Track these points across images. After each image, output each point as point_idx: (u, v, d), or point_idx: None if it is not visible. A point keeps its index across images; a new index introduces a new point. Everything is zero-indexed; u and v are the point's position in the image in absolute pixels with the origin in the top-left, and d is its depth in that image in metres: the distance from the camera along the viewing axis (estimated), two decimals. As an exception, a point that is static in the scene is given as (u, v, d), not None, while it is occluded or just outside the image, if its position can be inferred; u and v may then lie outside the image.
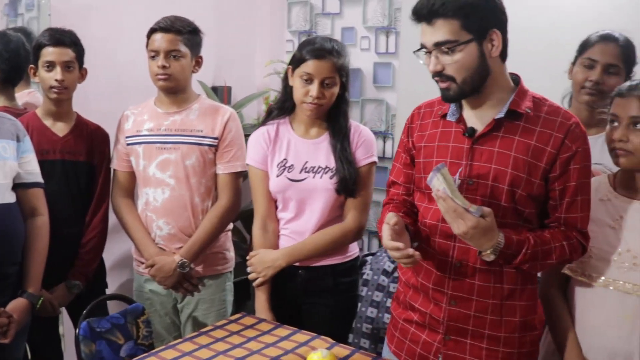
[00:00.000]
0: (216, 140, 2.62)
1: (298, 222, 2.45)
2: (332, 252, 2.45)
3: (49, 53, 2.49)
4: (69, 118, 2.64)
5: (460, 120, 1.91)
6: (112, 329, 2.34)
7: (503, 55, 1.85)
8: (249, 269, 2.47)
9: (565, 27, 2.76)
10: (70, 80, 2.53)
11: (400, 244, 1.81)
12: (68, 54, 2.51)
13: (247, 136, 2.63)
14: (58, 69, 2.49)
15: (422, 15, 1.78)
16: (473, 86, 1.82)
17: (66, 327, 2.85)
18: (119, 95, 3.25)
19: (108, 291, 2.88)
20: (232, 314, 2.48)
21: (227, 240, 2.79)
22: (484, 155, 1.85)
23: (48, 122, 2.60)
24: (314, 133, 2.46)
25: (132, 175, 2.71)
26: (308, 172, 2.41)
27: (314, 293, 2.46)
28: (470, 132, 1.87)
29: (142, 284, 2.74)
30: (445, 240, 1.91)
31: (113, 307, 2.68)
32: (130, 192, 2.74)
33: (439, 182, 1.69)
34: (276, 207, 2.50)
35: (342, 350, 2.02)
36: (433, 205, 1.90)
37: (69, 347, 2.82)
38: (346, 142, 2.41)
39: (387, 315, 3.31)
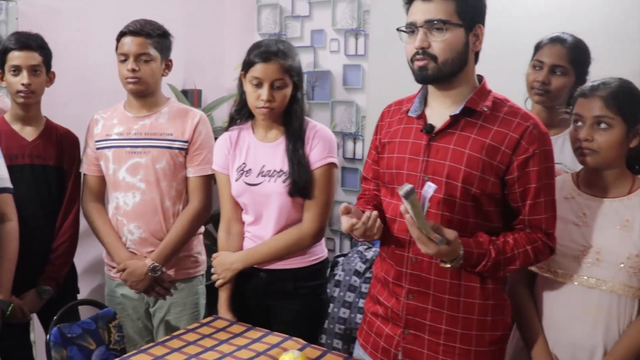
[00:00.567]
0: (186, 144, 2.62)
1: (257, 226, 2.46)
2: (290, 255, 2.43)
3: (15, 57, 2.48)
4: (38, 122, 2.63)
5: (422, 116, 1.94)
6: (83, 335, 2.33)
7: (478, 53, 1.92)
8: (212, 270, 2.50)
9: (531, 29, 2.80)
10: (37, 84, 2.51)
11: (353, 220, 1.85)
12: (35, 57, 2.50)
13: (217, 139, 2.63)
14: (25, 73, 2.47)
15: None
16: (451, 70, 1.85)
17: (37, 333, 2.83)
18: (88, 99, 3.23)
19: (80, 296, 2.86)
20: (205, 317, 2.49)
21: (198, 243, 2.79)
22: (440, 151, 1.88)
23: (16, 127, 2.58)
24: (272, 136, 2.45)
25: (102, 180, 2.69)
26: (264, 176, 2.40)
27: (276, 296, 2.47)
28: (428, 128, 1.90)
29: (113, 289, 2.73)
30: (402, 235, 1.93)
31: (85, 312, 2.67)
32: (101, 197, 2.73)
33: (408, 206, 1.66)
34: (242, 210, 2.52)
35: (313, 351, 2.03)
36: (393, 200, 1.95)
37: (40, 353, 2.79)
38: (299, 143, 2.38)
39: (359, 316, 3.34)
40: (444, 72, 1.85)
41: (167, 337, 2.16)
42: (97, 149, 2.65)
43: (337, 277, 3.55)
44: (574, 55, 2.39)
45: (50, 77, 2.60)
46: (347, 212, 1.86)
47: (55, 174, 2.63)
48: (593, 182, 2.01)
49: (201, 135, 2.64)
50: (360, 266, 3.51)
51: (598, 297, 1.91)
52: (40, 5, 3.13)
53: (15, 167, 2.49)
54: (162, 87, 2.72)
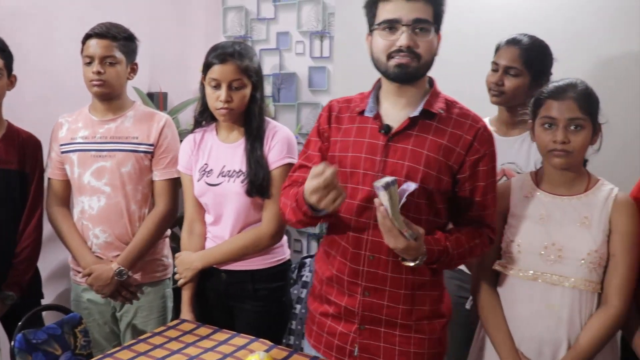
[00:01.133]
0: (152, 147, 2.61)
1: (218, 226, 2.48)
2: (250, 255, 2.45)
3: None
4: None
5: (377, 117, 1.97)
6: (48, 340, 2.30)
7: None
8: (175, 270, 2.53)
9: (495, 32, 2.84)
10: None
11: (318, 180, 1.71)
12: None
13: (182, 141, 2.63)
14: (-15, 77, 2.44)
15: None
16: (425, 71, 1.93)
17: (1, 340, 2.80)
18: (52, 103, 3.19)
19: (45, 301, 2.82)
20: (172, 321, 2.48)
21: (165, 246, 2.78)
22: (398, 152, 1.92)
23: (-22, 131, 2.55)
24: (234, 137, 2.47)
25: (67, 184, 2.67)
26: (224, 176, 2.42)
27: (236, 297, 2.48)
28: (386, 129, 1.93)
29: (79, 294, 2.71)
30: (359, 234, 1.96)
31: (51, 318, 2.64)
32: (66, 201, 2.71)
33: (384, 199, 1.70)
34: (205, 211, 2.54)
35: (280, 352, 2.04)
36: (346, 199, 1.89)
37: (5, 360, 2.77)
38: (257, 143, 2.40)
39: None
40: (422, 72, 1.91)
41: (134, 341, 2.15)
42: (62, 152, 2.63)
43: (304, 279, 3.57)
44: (528, 56, 2.43)
45: (12, 81, 2.56)
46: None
47: (17, 178, 2.58)
48: (554, 181, 2.06)
49: (167, 138, 2.63)
50: (328, 267, 3.52)
51: (561, 293, 1.96)
52: (4, 7, 3.09)
53: (-23, 172, 2.45)
54: (128, 90, 2.70)
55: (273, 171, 2.39)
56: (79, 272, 2.64)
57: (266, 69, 4.07)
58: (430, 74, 1.98)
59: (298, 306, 3.49)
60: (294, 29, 4.01)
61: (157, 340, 2.15)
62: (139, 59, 2.67)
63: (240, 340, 2.14)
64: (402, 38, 1.84)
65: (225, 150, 2.46)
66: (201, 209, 2.54)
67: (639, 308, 2.00)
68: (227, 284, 2.48)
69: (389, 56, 1.88)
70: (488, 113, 2.60)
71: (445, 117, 1.94)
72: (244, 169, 2.40)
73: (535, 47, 2.45)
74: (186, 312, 2.48)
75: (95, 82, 2.51)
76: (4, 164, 2.55)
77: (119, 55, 2.53)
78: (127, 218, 2.61)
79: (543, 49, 2.46)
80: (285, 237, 2.55)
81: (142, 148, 2.60)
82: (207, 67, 2.36)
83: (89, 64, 2.52)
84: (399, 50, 1.86)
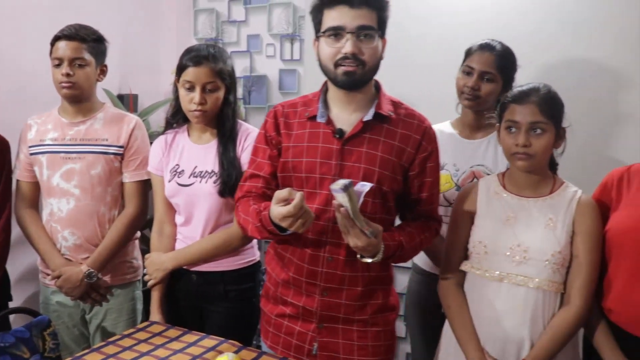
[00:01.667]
0: (122, 149, 2.61)
1: (189, 227, 2.49)
2: (220, 256, 2.46)
3: None
4: (-34, 128, 2.57)
5: (330, 122, 2.00)
6: (16, 343, 2.28)
7: None
8: (144, 271, 2.53)
9: (459, 35, 2.88)
10: None
11: (289, 208, 1.75)
12: None
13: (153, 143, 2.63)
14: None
15: (350, 0, 1.87)
16: (372, 76, 1.97)
17: (-32, 343, 2.77)
18: (21, 104, 3.17)
19: (14, 304, 2.80)
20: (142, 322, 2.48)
21: (134, 248, 2.78)
22: (354, 155, 1.97)
23: (-56, 133, 2.53)
24: (206, 138, 2.49)
25: (35, 186, 2.66)
26: (196, 176, 2.44)
27: (207, 298, 2.49)
28: (340, 133, 1.97)
29: (48, 296, 2.69)
30: (318, 237, 2.00)
31: (19, 321, 2.62)
32: (34, 203, 2.70)
33: (344, 200, 1.75)
34: (176, 212, 2.54)
35: (249, 353, 2.05)
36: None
37: (-28, 363, 2.74)
38: (231, 144, 2.43)
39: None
40: (368, 77, 1.96)
41: (103, 343, 2.14)
42: (31, 154, 2.61)
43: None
44: (502, 62, 2.47)
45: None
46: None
47: (-16, 180, 2.57)
48: (520, 183, 2.10)
49: (137, 140, 2.64)
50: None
51: (525, 294, 2.00)
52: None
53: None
54: (98, 92, 2.70)
55: (244, 172, 2.40)
56: (48, 275, 2.63)
57: (237, 72, 4.00)
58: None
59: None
60: (265, 32, 4.02)
61: (126, 342, 2.14)
62: (109, 61, 2.67)
63: (210, 341, 2.14)
64: (347, 45, 1.88)
65: (197, 151, 2.47)
66: (171, 210, 2.54)
67: (600, 307, 2.05)
68: (197, 285, 2.49)
69: (336, 64, 1.92)
70: (447, 115, 2.66)
71: (394, 119, 2.00)
72: (216, 169, 2.42)
73: (507, 53, 2.50)
74: (155, 314, 2.48)
75: (64, 85, 2.51)
76: (-29, 165, 2.53)
77: (88, 57, 2.52)
78: (96, 220, 2.60)
79: (512, 56, 2.51)
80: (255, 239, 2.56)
81: (112, 150, 2.60)
82: (181, 69, 2.37)
83: (58, 65, 2.52)
84: (345, 58, 1.90)
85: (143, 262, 2.73)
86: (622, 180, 2.07)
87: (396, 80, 2.55)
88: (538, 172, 2.07)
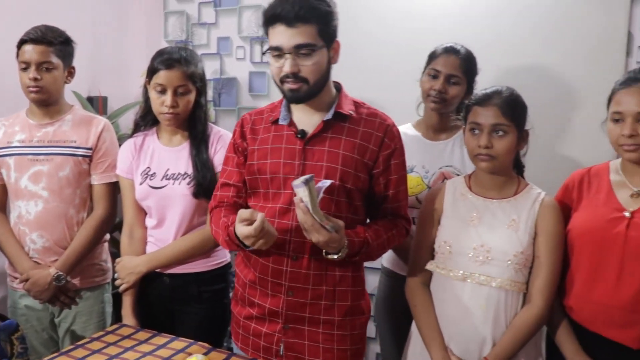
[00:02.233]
0: (90, 151, 2.61)
1: (161, 229, 2.49)
2: (195, 258, 2.47)
3: None
4: None
5: (292, 124, 2.05)
6: (-16, 347, 2.28)
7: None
8: (116, 275, 2.51)
9: (422, 38, 2.92)
10: None
11: (250, 229, 1.81)
12: None
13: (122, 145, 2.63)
14: None
15: (287, 18, 1.88)
16: (319, 88, 1.99)
17: None
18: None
19: (-20, 308, 2.79)
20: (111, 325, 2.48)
21: (103, 251, 2.78)
22: (316, 154, 2.01)
23: None
24: (177, 141, 2.50)
25: (3, 188, 2.65)
26: (169, 179, 2.44)
27: (180, 300, 2.50)
28: (302, 134, 2.02)
29: (16, 300, 2.68)
30: (282, 236, 2.01)
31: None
32: (2, 206, 2.68)
33: (304, 195, 1.79)
34: (146, 215, 2.54)
35: (218, 354, 2.06)
36: (268, 204, 2.04)
37: (-62, 368, 2.71)
38: (203, 146, 2.45)
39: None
40: (315, 92, 1.99)
41: (72, 347, 2.13)
42: (-2, 157, 2.60)
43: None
44: (467, 65, 2.52)
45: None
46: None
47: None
48: (484, 184, 2.14)
49: (105, 142, 2.64)
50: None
51: (488, 293, 2.04)
52: None
53: None
54: (66, 94, 2.69)
55: (218, 174, 2.40)
56: (16, 278, 2.62)
57: (207, 74, 4.01)
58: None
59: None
60: (235, 34, 4.03)
61: (96, 345, 2.14)
62: (78, 63, 2.66)
63: (179, 343, 2.15)
64: (285, 65, 1.92)
65: (168, 154, 2.48)
66: (141, 213, 2.54)
67: (562, 305, 2.10)
68: (171, 287, 2.49)
69: (281, 81, 1.97)
70: (411, 117, 2.69)
71: (355, 118, 2.04)
72: (189, 171, 2.43)
73: (471, 57, 2.54)
74: (129, 318, 2.47)
75: (32, 89, 2.50)
76: (-63, 168, 2.51)
77: (55, 60, 2.52)
78: (65, 222, 2.60)
79: (475, 59, 2.55)
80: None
81: (80, 152, 2.59)
82: (152, 72, 2.38)
83: (25, 69, 2.50)
84: (287, 76, 1.94)
85: (113, 265, 2.73)
86: (583, 182, 2.12)
87: (362, 84, 2.57)
88: (502, 174, 2.10)
